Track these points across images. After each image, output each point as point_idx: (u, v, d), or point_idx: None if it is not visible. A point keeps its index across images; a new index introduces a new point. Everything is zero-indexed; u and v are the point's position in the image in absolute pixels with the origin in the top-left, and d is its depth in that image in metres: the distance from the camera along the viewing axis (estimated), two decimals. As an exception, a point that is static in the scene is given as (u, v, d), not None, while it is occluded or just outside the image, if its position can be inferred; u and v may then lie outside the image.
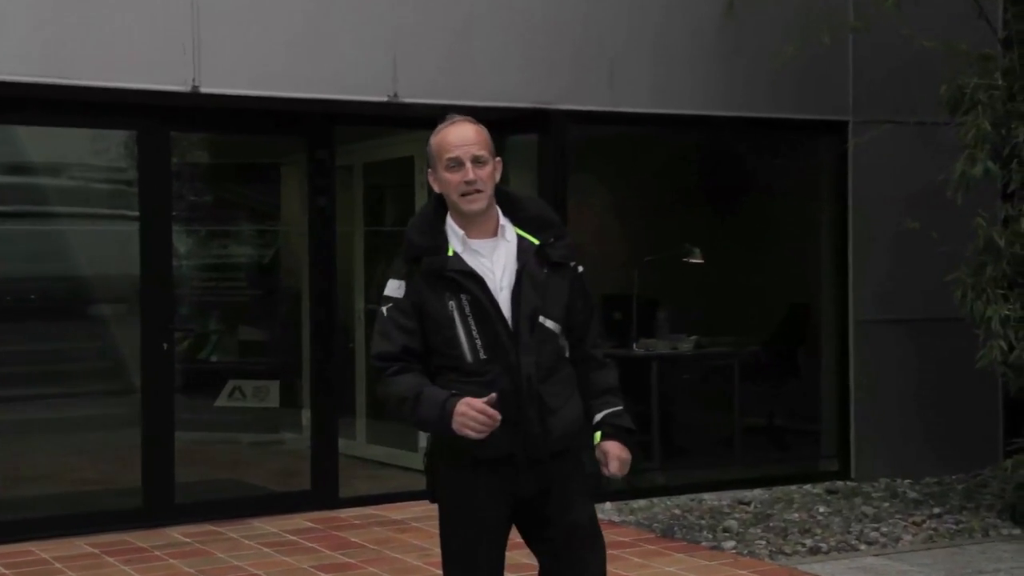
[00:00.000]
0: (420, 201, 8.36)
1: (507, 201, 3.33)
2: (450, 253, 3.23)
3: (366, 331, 8.78)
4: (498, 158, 3.30)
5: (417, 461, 8.22)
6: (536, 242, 3.26)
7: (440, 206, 3.32)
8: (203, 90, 6.42)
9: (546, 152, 7.24)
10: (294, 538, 6.43)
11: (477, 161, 3.22)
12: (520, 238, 3.27)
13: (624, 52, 7.35)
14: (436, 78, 6.92)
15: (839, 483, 7.82)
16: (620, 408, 3.36)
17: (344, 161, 7.76)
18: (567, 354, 3.31)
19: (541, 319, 3.22)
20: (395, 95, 6.83)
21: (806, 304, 8.44)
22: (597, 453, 3.33)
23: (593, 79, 7.26)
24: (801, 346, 8.49)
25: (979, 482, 7.78)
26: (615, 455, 3.31)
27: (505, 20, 7.10)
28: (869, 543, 6.39)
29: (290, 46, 6.63)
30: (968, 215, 6.61)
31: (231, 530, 6.59)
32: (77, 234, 7.44)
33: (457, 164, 3.23)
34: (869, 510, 7.06)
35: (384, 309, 3.28)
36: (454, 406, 3.11)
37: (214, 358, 8.36)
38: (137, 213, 6.73)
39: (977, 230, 6.56)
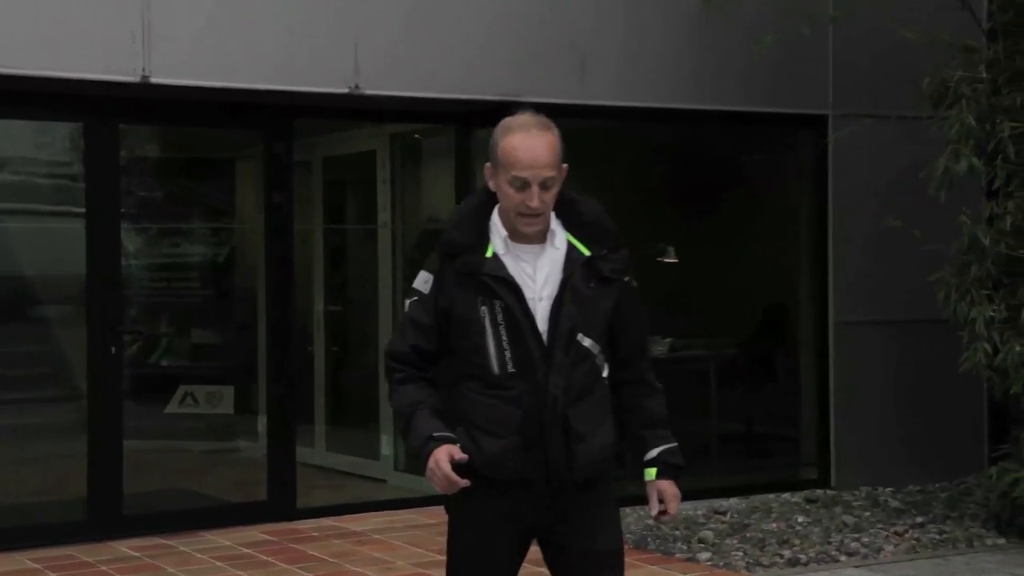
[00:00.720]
0: (383, 197, 8.35)
1: (563, 203, 3.18)
2: (488, 254, 3.12)
3: (326, 333, 8.76)
4: (564, 165, 3.17)
5: (379, 470, 8.22)
6: (587, 253, 3.15)
7: (487, 199, 3.19)
8: (153, 80, 6.37)
9: (514, 146, 7.21)
10: (249, 551, 6.40)
11: (545, 185, 3.09)
12: (570, 246, 3.15)
13: (595, 43, 7.34)
14: (399, 69, 6.89)
15: (819, 492, 7.84)
16: (676, 445, 3.28)
17: (303, 155, 7.73)
18: (604, 374, 3.21)
19: (579, 337, 3.12)
20: (356, 86, 6.80)
21: (784, 305, 8.46)
22: (648, 490, 3.24)
23: (562, 71, 7.25)
24: (779, 348, 8.51)
25: (963, 490, 7.81)
26: (672, 495, 3.23)
27: (471, 9, 7.08)
28: (850, 554, 6.40)
29: (246, 35, 6.58)
30: (952, 213, 6.64)
31: (182, 543, 6.54)
32: (19, 232, 7.38)
33: (523, 185, 3.08)
34: (850, 520, 7.08)
35: (407, 302, 3.22)
36: (430, 452, 3.05)
37: (165, 362, 8.31)
38: (83, 210, 6.68)
39: (961, 228, 6.59)
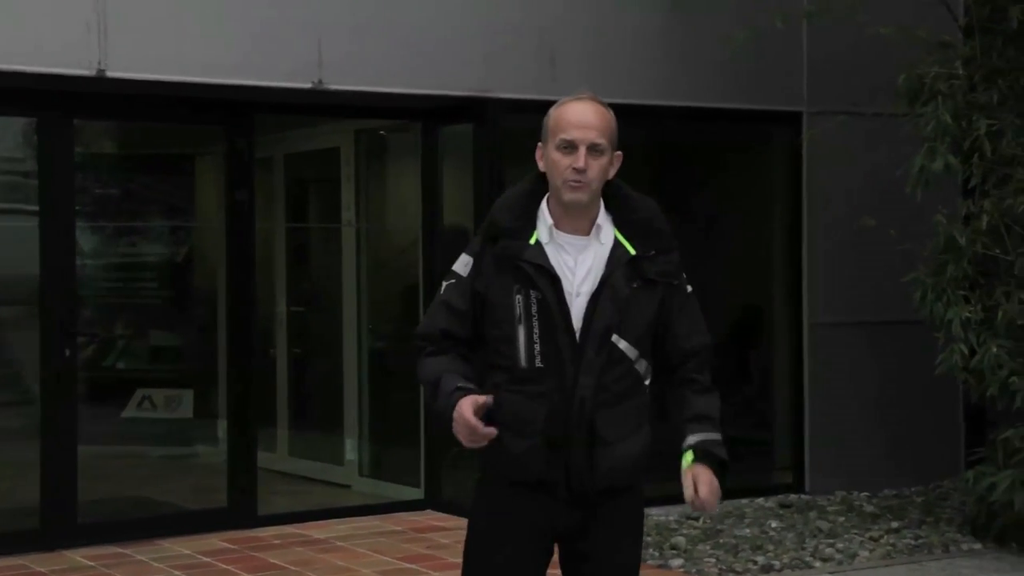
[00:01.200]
0: (347, 196, 8.33)
1: (616, 197, 3.17)
2: (532, 241, 3.08)
3: (288, 335, 8.74)
4: (619, 152, 3.16)
5: (343, 475, 8.21)
6: (633, 252, 3.11)
7: (539, 186, 3.16)
8: (109, 74, 6.34)
9: (482, 143, 7.23)
10: (208, 560, 6.37)
11: (594, 149, 3.07)
12: (616, 243, 3.11)
13: (566, 37, 7.35)
14: (364, 64, 6.88)
15: (792, 496, 7.88)
16: (718, 437, 3.17)
17: (264, 152, 7.71)
18: (646, 382, 3.15)
19: (614, 338, 3.06)
20: (320, 81, 6.79)
21: (757, 306, 8.50)
22: (684, 476, 3.14)
23: (532, 65, 7.25)
24: (752, 350, 8.55)
25: (939, 495, 7.88)
26: (706, 480, 3.10)
27: (438, 2, 7.07)
28: (824, 560, 6.44)
29: (206, 27, 6.55)
30: (928, 212, 6.69)
31: (139, 552, 6.50)
32: (-30, 230, 7.31)
33: (570, 147, 3.06)
34: (824, 525, 7.12)
35: (444, 284, 3.19)
36: (456, 402, 2.99)
37: (121, 365, 8.27)
38: (36, 207, 6.63)
39: (937, 228, 6.64)
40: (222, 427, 7.36)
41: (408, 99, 7.14)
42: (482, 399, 3.00)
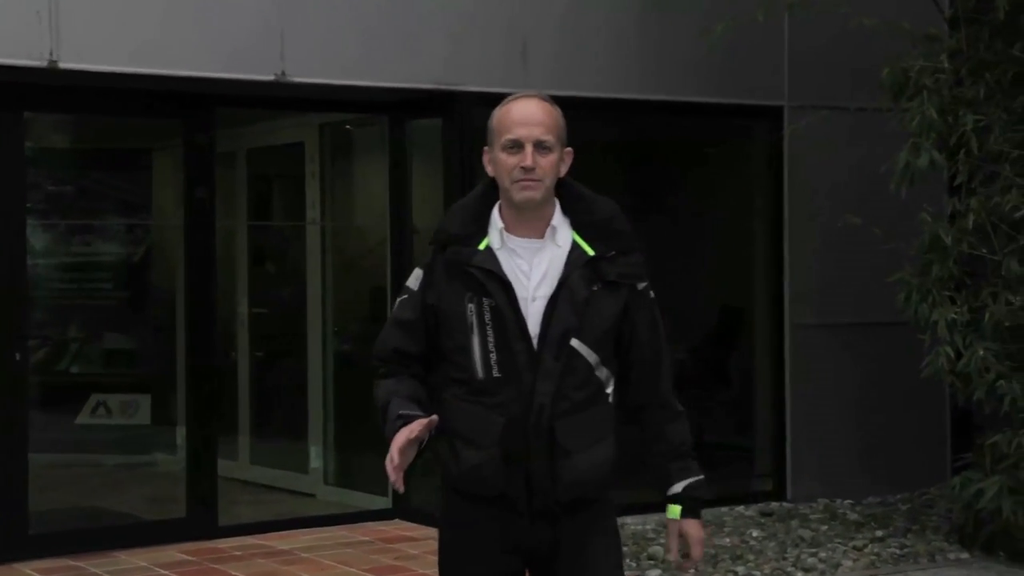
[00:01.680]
0: (311, 192, 8.29)
1: (572, 198, 3.14)
2: (482, 247, 3.08)
3: (250, 338, 8.69)
4: (568, 148, 3.13)
5: (307, 484, 8.16)
6: (591, 253, 3.09)
7: (490, 192, 3.15)
8: (62, 65, 6.26)
9: (451, 138, 7.20)
10: (166, 573, 6.32)
11: (540, 146, 3.05)
12: (574, 245, 3.08)
13: (539, 28, 7.32)
14: (329, 55, 6.83)
15: (774, 504, 7.87)
16: (702, 478, 3.20)
17: (226, 147, 7.66)
18: (608, 390, 3.12)
19: (574, 343, 3.04)
20: (283, 73, 6.74)
21: (738, 307, 8.49)
22: (670, 529, 3.16)
23: (504, 58, 7.22)
24: (732, 353, 8.54)
25: (925, 502, 7.88)
26: (698, 539, 3.14)
27: (406, -9, 7.03)
28: (806, 570, 6.43)
29: (164, 16, 6.49)
30: (913, 210, 6.69)
31: (94, 565, 6.45)
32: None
33: (516, 146, 3.05)
34: (806, 534, 7.11)
35: (397, 300, 3.19)
36: (394, 433, 2.97)
37: (75, 369, 8.22)
38: (-15, 205, 6.56)
39: (922, 226, 6.64)
40: (181, 434, 7.31)
41: (375, 92, 7.10)
42: (422, 425, 2.95)
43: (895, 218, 6.89)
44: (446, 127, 7.24)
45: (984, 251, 6.56)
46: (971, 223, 6.53)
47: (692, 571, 3.22)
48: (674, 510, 3.16)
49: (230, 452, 8.11)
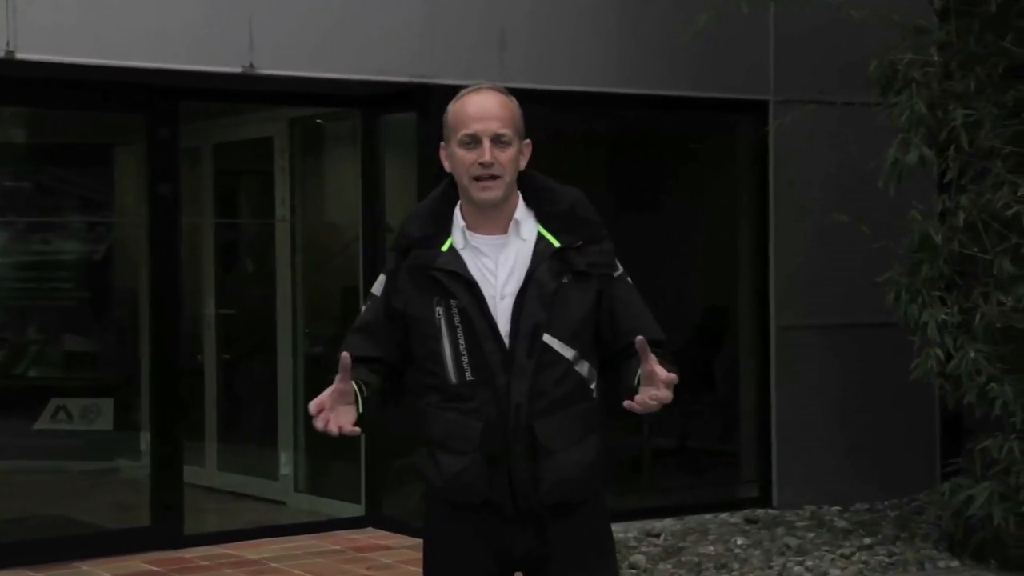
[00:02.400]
0: (280, 188, 8.28)
1: (535, 190, 3.15)
2: (445, 248, 3.08)
3: (217, 339, 8.67)
4: (527, 140, 3.15)
5: (277, 491, 8.15)
6: (557, 244, 3.08)
7: (450, 191, 3.17)
8: (20, 56, 6.23)
9: (426, 133, 7.18)
10: (130, 584, 6.30)
11: (498, 141, 3.07)
12: (540, 238, 3.09)
13: (517, 19, 7.32)
14: (299, 47, 6.82)
15: (759, 511, 7.89)
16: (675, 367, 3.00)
17: (191, 142, 7.65)
18: (592, 386, 3.11)
19: (546, 338, 3.04)
20: (251, 65, 6.72)
21: (722, 308, 8.52)
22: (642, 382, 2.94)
23: (480, 50, 7.22)
24: (716, 355, 8.56)
25: (914, 509, 7.92)
26: (665, 376, 2.91)
27: (379, -20, 7.03)
28: (793, 579, 6.46)
29: (126, 5, 6.47)
30: (902, 207, 6.72)
31: (55, 575, 6.42)
32: None
33: (473, 141, 3.07)
34: (793, 541, 7.14)
35: (363, 308, 3.21)
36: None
37: (33, 373, 8.20)
38: (-60, 201, 6.55)
39: (912, 224, 6.67)
40: (145, 439, 7.29)
41: (347, 85, 7.09)
42: (340, 376, 2.95)
43: (884, 216, 6.92)
44: (420, 121, 7.24)
45: (975, 250, 6.59)
46: (962, 221, 6.55)
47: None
48: (637, 376, 2.98)
49: (196, 458, 8.09)
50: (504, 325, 3.04)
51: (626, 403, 2.99)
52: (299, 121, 8.20)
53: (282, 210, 8.29)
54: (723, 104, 8.01)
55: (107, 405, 7.94)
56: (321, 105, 7.86)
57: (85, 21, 6.38)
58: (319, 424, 2.96)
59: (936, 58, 6.77)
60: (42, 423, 7.81)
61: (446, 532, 3.14)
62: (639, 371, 2.98)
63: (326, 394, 2.97)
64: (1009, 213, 6.38)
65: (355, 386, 3.01)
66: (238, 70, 6.71)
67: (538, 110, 8.51)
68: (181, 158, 7.15)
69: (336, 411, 2.97)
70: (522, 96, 7.63)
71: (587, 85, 7.53)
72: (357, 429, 2.99)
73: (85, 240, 8.31)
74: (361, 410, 3.02)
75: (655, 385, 2.94)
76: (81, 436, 7.92)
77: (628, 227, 8.35)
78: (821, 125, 7.73)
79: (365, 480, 7.53)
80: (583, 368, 3.11)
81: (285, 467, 8.22)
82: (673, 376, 2.95)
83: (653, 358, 2.94)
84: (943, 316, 6.47)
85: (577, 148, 8.34)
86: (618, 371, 3.12)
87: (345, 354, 2.99)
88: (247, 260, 9.15)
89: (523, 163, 3.15)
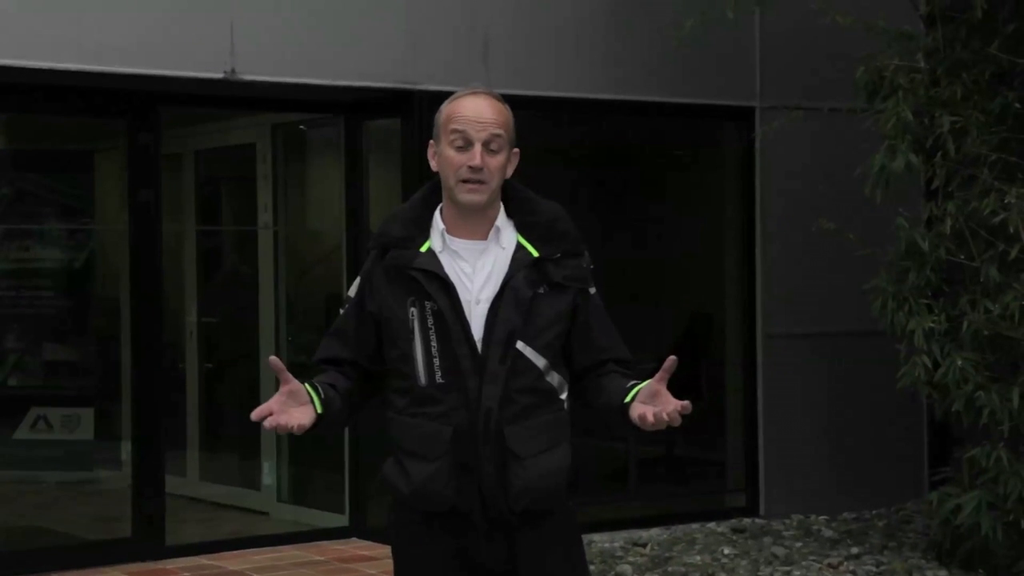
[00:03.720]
0: (264, 196, 8.25)
1: (517, 200, 3.17)
2: (423, 249, 3.08)
3: (199, 348, 8.63)
4: (516, 149, 3.16)
5: (260, 501, 8.12)
6: (536, 254, 3.10)
7: (431, 193, 3.17)
8: (0, 62, 6.22)
9: (409, 139, 7.18)
10: (110, 595, 6.28)
11: (490, 146, 3.08)
12: (519, 247, 3.11)
13: (501, 25, 7.32)
14: (281, 52, 6.81)
15: (746, 521, 7.89)
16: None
17: (172, 148, 7.63)
18: (562, 396, 3.14)
19: (519, 346, 3.05)
20: (232, 71, 6.71)
21: (708, 315, 8.51)
22: (634, 412, 3.00)
23: (464, 56, 7.22)
24: (703, 363, 8.55)
25: (902, 518, 7.92)
26: (669, 400, 2.96)
27: (362, -15, 7.01)
28: (779, 589, 6.45)
29: (105, 9, 6.45)
30: (889, 215, 6.72)
31: (33, 587, 6.39)
32: None
33: (465, 143, 3.07)
34: (780, 551, 7.13)
35: (340, 310, 3.22)
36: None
37: (13, 382, 8.15)
38: (-82, 208, 6.51)
39: (898, 232, 6.67)
40: (126, 449, 7.26)
41: (330, 91, 7.07)
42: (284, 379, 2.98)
43: (870, 223, 6.93)
44: (404, 128, 7.23)
45: (962, 257, 6.60)
46: (949, 228, 6.56)
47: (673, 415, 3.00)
48: (629, 395, 3.04)
49: (178, 468, 8.06)
50: (478, 330, 3.05)
51: (639, 412, 2.98)
52: (282, 127, 8.19)
53: (265, 217, 8.27)
54: (709, 110, 8.01)
55: (88, 415, 7.91)
56: (304, 111, 7.85)
57: (63, 26, 6.36)
58: (268, 424, 2.97)
59: (922, 65, 6.79)
60: (22, 433, 7.78)
61: (414, 542, 3.14)
62: (630, 388, 3.04)
63: (272, 400, 2.98)
64: (996, 220, 6.38)
65: (309, 387, 3.03)
66: (220, 76, 6.70)
67: (522, 116, 8.51)
68: (162, 165, 7.13)
69: (287, 413, 2.98)
70: (507, 102, 7.66)
71: (572, 91, 7.53)
72: (307, 424, 2.98)
73: (65, 247, 8.27)
74: (320, 410, 3.03)
75: (659, 404, 2.98)
76: (61, 446, 7.89)
77: (614, 234, 8.36)
78: (808, 131, 7.74)
79: (349, 490, 7.51)
80: (553, 378, 3.13)
81: (268, 477, 8.19)
82: (688, 404, 3.01)
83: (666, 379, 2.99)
84: (930, 324, 6.47)
85: (562, 155, 8.33)
86: (586, 387, 3.17)
87: (273, 357, 3.04)
88: (229, 268, 9.12)
89: (510, 171, 3.16)
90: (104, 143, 7.98)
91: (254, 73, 6.76)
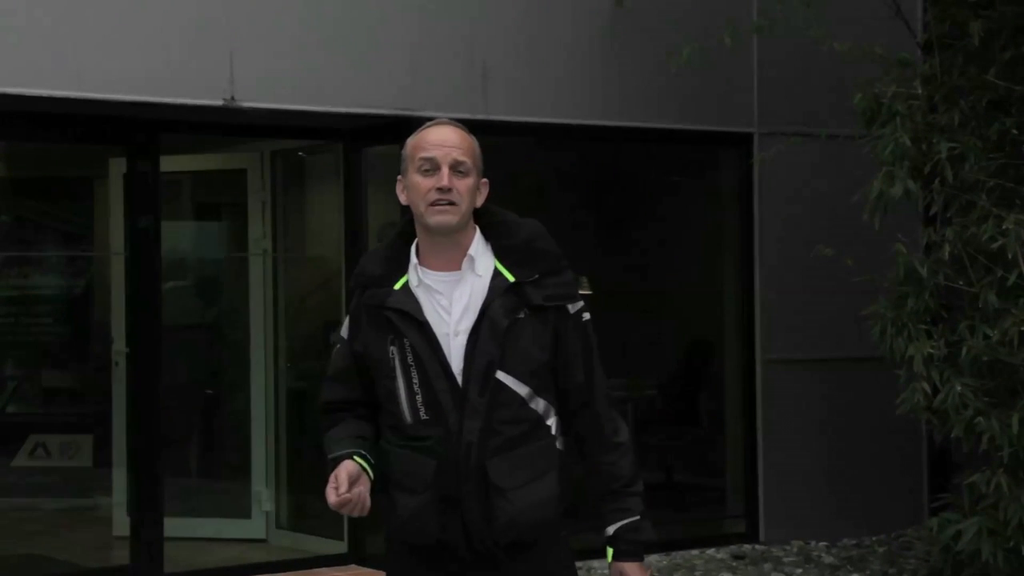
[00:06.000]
0: (254, 221, 8.25)
1: (494, 224, 3.15)
2: (398, 286, 3.09)
3: (198, 374, 8.61)
4: (484, 179, 3.15)
5: (254, 530, 8.09)
6: (512, 279, 3.07)
7: (407, 228, 3.17)
8: (0, 90, 6.24)
9: (409, 166, 7.19)
10: (108, 624, 6.27)
11: (457, 168, 3.06)
12: (496, 273, 3.08)
13: (500, 53, 7.35)
14: (280, 80, 6.83)
15: (746, 547, 7.88)
16: (638, 518, 3.14)
17: (171, 174, 7.61)
18: (550, 422, 3.11)
19: (500, 375, 3.04)
20: (232, 99, 6.73)
21: (707, 342, 8.52)
22: (611, 574, 3.16)
23: (463, 83, 7.25)
24: (702, 390, 8.56)
25: (902, 544, 7.91)
26: None
27: (360, 15, 7.05)
28: (780, 616, 6.44)
29: (105, 37, 6.47)
30: (887, 240, 6.74)
31: (31, 615, 6.40)
32: None
33: (432, 167, 3.06)
34: (779, 577, 7.13)
35: (333, 352, 3.24)
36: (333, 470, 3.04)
37: (12, 409, 8.15)
38: (-83, 236, 6.53)
39: (897, 257, 6.69)
40: (124, 476, 7.22)
41: (329, 118, 7.10)
42: (350, 468, 3.03)
43: (869, 249, 6.94)
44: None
45: (961, 283, 6.61)
46: (947, 254, 6.57)
47: None
48: (609, 553, 3.16)
49: (176, 494, 8.03)
50: (457, 363, 3.05)
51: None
52: (280, 154, 8.20)
53: (263, 243, 8.27)
54: (707, 137, 8.04)
55: (86, 441, 7.91)
56: (302, 138, 7.86)
57: (63, 54, 6.38)
58: (353, 513, 3.02)
59: (920, 91, 6.81)
60: (20, 460, 7.78)
61: (405, 573, 3.15)
62: (608, 537, 3.16)
63: (344, 492, 3.00)
64: (994, 246, 6.39)
65: (358, 460, 3.07)
66: (219, 103, 6.72)
67: (521, 143, 8.61)
68: (161, 191, 7.14)
69: (361, 497, 3.04)
70: (505, 129, 7.73)
71: (570, 118, 7.55)
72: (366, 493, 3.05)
73: (64, 274, 8.30)
74: (372, 476, 3.07)
75: None
76: (59, 473, 7.89)
77: (612, 260, 8.38)
78: (806, 157, 7.77)
79: (348, 517, 7.49)
80: (539, 405, 3.10)
81: (266, 504, 8.17)
82: None
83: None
84: (929, 350, 6.47)
85: (560, 181, 8.37)
86: (576, 443, 3.19)
87: (348, 462, 3.05)
88: (226, 293, 9.12)
89: (480, 200, 3.15)
90: (103, 170, 8.00)
91: (253, 100, 6.78)
